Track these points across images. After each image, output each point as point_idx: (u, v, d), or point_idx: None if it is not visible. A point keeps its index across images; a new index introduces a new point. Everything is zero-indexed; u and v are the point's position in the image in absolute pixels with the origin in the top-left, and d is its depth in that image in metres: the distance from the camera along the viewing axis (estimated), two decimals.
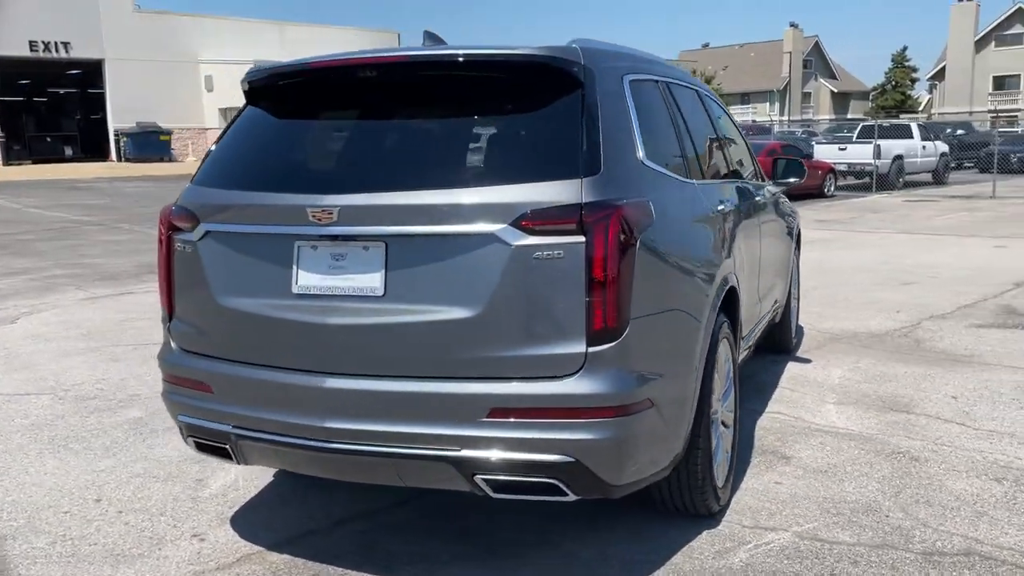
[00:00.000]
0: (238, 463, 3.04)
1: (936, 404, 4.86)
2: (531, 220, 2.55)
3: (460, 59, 2.85)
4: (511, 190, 2.60)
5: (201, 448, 3.14)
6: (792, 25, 72.58)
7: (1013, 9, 61.13)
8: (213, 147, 3.21)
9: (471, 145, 2.87)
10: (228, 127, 3.22)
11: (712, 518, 3.37)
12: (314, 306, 2.77)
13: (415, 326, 2.65)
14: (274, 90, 3.18)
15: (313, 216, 2.70)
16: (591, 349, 2.57)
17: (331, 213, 2.68)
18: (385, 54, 2.91)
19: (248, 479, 3.97)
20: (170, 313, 3.15)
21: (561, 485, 2.63)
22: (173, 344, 3.14)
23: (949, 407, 4.80)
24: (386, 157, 2.94)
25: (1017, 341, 6.33)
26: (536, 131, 2.76)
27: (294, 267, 2.80)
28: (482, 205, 2.60)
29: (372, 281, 2.70)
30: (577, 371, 2.57)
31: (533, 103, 2.79)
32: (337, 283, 2.75)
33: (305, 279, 2.79)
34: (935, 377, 5.40)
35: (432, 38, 3.47)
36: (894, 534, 3.24)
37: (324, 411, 2.74)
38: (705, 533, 3.27)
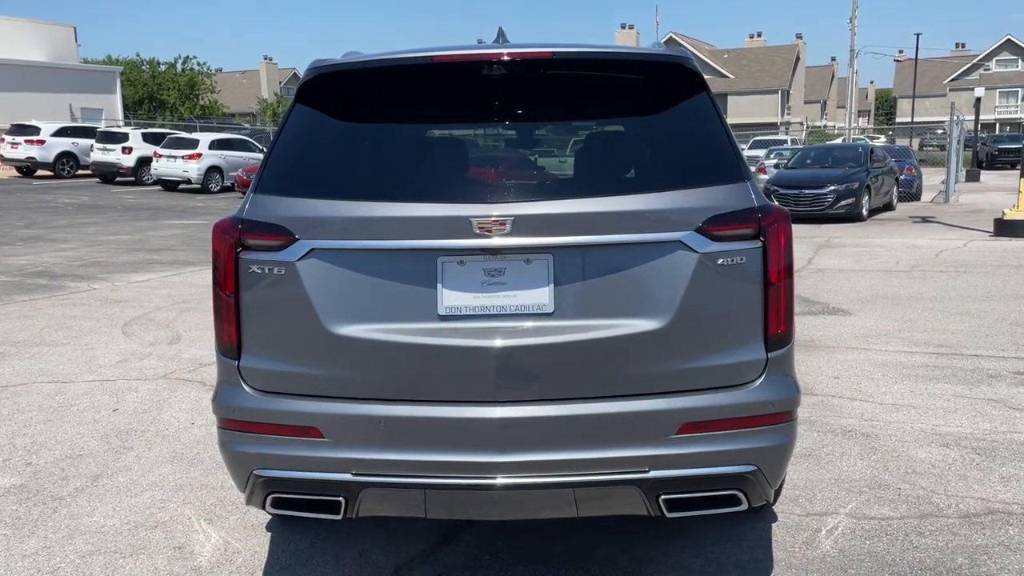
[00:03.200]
0: (343, 516, 2.57)
1: (827, 385, 5.45)
2: (716, 225, 2.48)
3: (602, 58, 2.68)
4: (689, 195, 2.50)
5: (282, 505, 2.62)
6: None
7: None
8: (271, 149, 2.69)
9: (628, 149, 2.71)
10: (284, 124, 2.71)
11: (768, 511, 3.49)
12: (467, 328, 2.45)
13: (594, 343, 2.45)
14: (371, 85, 2.73)
15: (480, 227, 2.39)
16: (770, 354, 2.55)
17: (504, 224, 2.39)
18: (523, 49, 2.64)
19: (241, 538, 3.38)
20: (237, 348, 2.58)
21: (741, 495, 2.58)
22: (246, 386, 2.58)
23: (841, 386, 5.41)
24: (544, 162, 2.68)
25: (833, 325, 7.28)
26: (685, 134, 2.67)
27: (437, 286, 2.45)
28: (661, 211, 2.47)
29: (539, 297, 2.45)
30: (758, 378, 2.55)
31: (672, 105, 2.70)
32: (495, 301, 2.46)
33: (453, 299, 2.45)
34: (800, 361, 6.03)
35: (504, 36, 3.21)
36: (922, 503, 3.60)
37: (493, 444, 2.42)
38: (774, 526, 3.39)
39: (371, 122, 2.74)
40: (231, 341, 2.58)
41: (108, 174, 27.08)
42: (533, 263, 2.46)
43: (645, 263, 2.47)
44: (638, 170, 2.69)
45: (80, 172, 28.51)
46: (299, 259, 2.48)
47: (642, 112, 2.72)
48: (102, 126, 30.26)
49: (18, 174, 29.23)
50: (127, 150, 26.45)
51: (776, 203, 2.82)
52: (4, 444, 4.45)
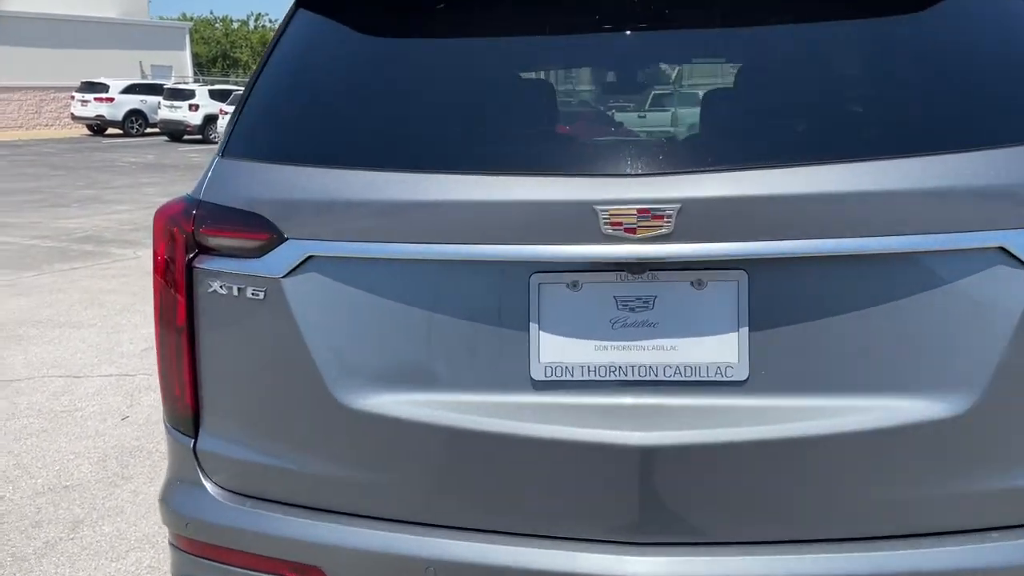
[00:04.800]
0: None
1: None
2: None
3: None
4: (1010, 160, 1.37)
5: None
6: None
7: None
8: (250, 86, 1.65)
9: (888, 77, 1.56)
10: (275, 45, 1.66)
11: None
12: (584, 406, 1.42)
13: (829, 442, 1.37)
14: None
15: (613, 223, 1.34)
16: None
17: (662, 216, 1.33)
18: None
19: None
20: (194, 417, 1.59)
21: None
22: (209, 482, 1.58)
23: None
24: (725, 110, 1.60)
25: None
26: (990, 55, 1.51)
27: (530, 328, 1.42)
28: (960, 192, 1.36)
29: (720, 351, 1.41)
30: None
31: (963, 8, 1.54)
32: (637, 357, 1.43)
33: (558, 350, 1.42)
34: None
35: None
36: None
37: None
38: None
39: (417, 39, 1.66)
40: (184, 405, 1.59)
41: (176, 132, 26.74)
42: (709, 288, 1.40)
43: (930, 289, 1.38)
44: (911, 118, 1.52)
45: (149, 131, 28.32)
46: (288, 273, 1.46)
47: (909, 13, 1.54)
48: (170, 83, 29.97)
49: (89, 132, 29.24)
50: (194, 107, 26.02)
51: None
52: None
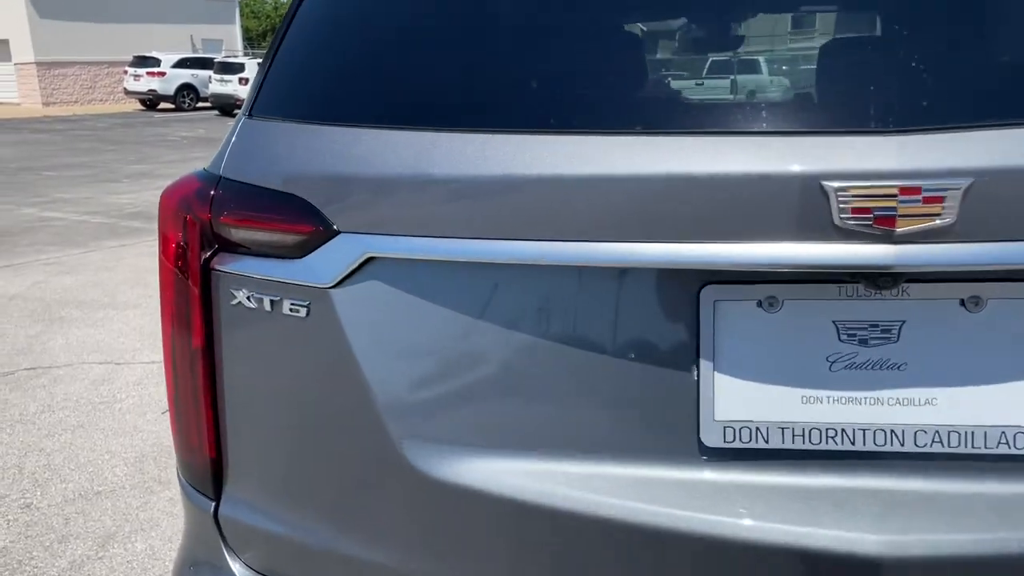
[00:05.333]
0: None
1: None
2: None
3: None
4: None
5: None
6: None
7: None
8: (285, 27, 1.22)
9: None
10: None
11: None
12: (786, 489, 0.98)
13: None
14: None
15: (850, 209, 0.88)
16: None
17: (944, 199, 0.87)
18: None
19: None
20: (214, 472, 1.19)
21: None
22: (235, 562, 1.19)
23: None
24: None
25: None
26: None
27: (699, 366, 0.99)
28: None
29: (1011, 410, 0.94)
30: None
31: None
32: (875, 416, 0.97)
33: (743, 402, 0.99)
34: None
35: None
36: None
37: None
38: None
39: None
40: (203, 456, 1.19)
41: (226, 106, 26.66)
42: (989, 310, 0.94)
43: None
44: None
45: (200, 105, 28.33)
46: (340, 282, 1.05)
47: None
48: (220, 57, 29.92)
49: (142, 107, 29.37)
50: (243, 81, 25.88)
51: None
52: (11, 465, 3.34)
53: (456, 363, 1.01)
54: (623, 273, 0.96)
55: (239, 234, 1.11)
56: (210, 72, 27.13)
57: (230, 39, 37.19)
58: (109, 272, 6.74)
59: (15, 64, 30.47)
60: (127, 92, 28.64)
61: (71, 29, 30.37)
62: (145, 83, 27.72)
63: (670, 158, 0.92)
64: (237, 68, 26.64)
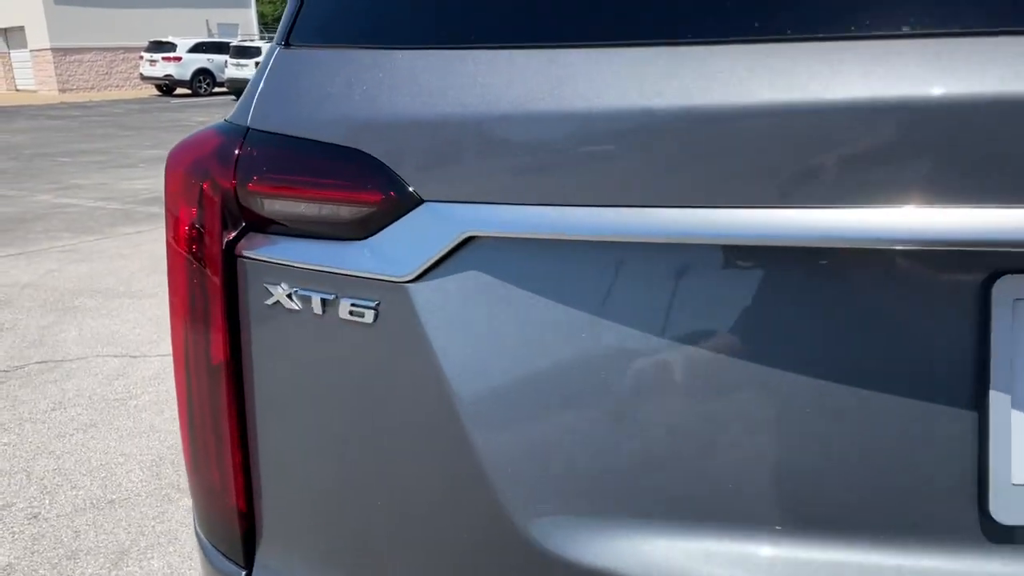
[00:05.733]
0: None
1: None
2: None
3: None
4: None
5: None
6: None
7: None
8: None
9: None
10: None
11: None
12: None
13: None
14: None
15: None
16: None
17: None
18: None
19: None
20: (247, 532, 0.90)
21: None
22: None
23: None
24: None
25: None
26: None
27: (989, 401, 0.65)
28: None
29: None
30: None
31: None
32: None
33: None
34: None
35: None
36: None
37: None
38: None
39: None
40: (228, 508, 0.90)
41: (242, 90, 26.24)
42: None
43: None
44: None
45: (217, 90, 28.08)
46: (424, 273, 0.74)
47: None
48: (236, 41, 29.65)
49: (158, 92, 29.18)
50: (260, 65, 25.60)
51: None
52: (19, 469, 3.08)
53: (600, 395, 0.71)
54: (874, 259, 0.65)
55: (276, 207, 0.81)
56: (226, 57, 26.87)
57: (246, 23, 36.89)
58: (125, 260, 6.49)
59: (31, 51, 30.36)
60: (143, 78, 28.45)
61: (86, 15, 30.18)
62: (161, 68, 27.51)
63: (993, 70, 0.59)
64: (253, 52, 26.35)
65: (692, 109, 0.65)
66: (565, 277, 0.70)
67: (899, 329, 0.65)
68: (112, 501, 2.84)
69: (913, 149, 0.60)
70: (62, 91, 29.62)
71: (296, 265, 0.79)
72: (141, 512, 2.77)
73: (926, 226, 0.60)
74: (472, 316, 0.72)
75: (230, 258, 0.83)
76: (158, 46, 27.72)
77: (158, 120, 20.53)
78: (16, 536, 2.64)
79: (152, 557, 2.51)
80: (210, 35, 32.96)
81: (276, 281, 0.81)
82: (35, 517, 2.75)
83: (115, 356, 4.31)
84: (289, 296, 0.80)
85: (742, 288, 0.67)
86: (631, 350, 0.69)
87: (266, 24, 43.83)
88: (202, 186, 0.85)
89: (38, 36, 29.78)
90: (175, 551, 2.54)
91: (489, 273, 0.71)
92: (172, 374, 3.95)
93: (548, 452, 0.72)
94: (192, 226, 0.85)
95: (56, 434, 3.38)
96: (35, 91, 30.35)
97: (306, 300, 0.79)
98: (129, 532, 2.65)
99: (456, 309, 0.72)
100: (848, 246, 0.62)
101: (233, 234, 0.83)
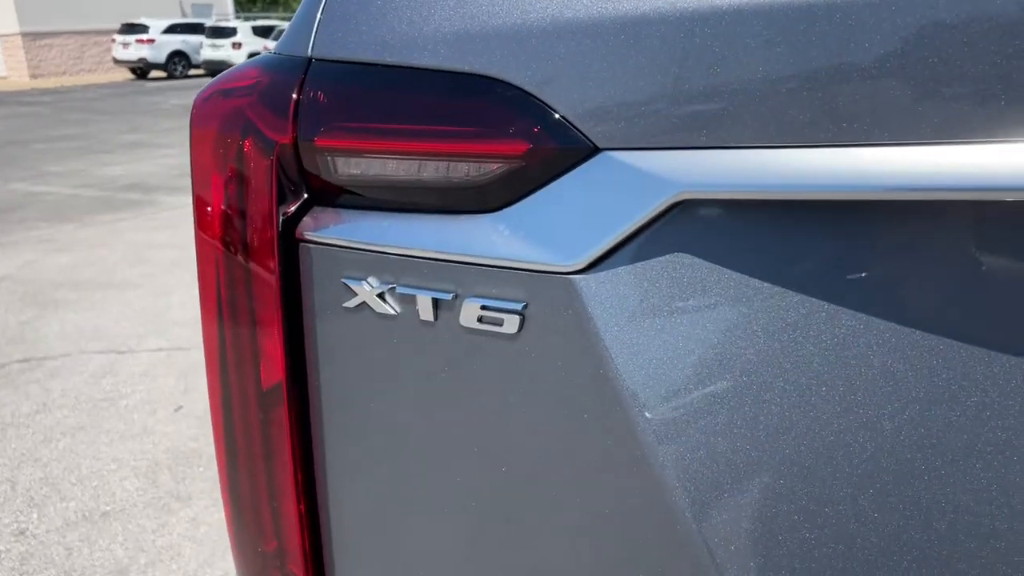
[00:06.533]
0: None
1: None
2: None
3: None
4: None
5: None
6: None
7: None
8: None
9: None
10: None
11: None
12: None
13: None
14: None
15: None
16: None
17: None
18: None
19: None
20: None
21: None
22: None
23: None
24: None
25: None
26: None
27: None
28: None
29: None
30: None
31: None
32: None
33: None
34: None
35: None
36: None
37: None
38: None
39: None
40: (289, 571, 0.65)
41: (220, 72, 25.74)
42: None
43: None
44: None
45: (193, 72, 27.48)
46: (601, 259, 0.49)
47: None
48: (211, 21, 28.99)
49: (132, 76, 28.51)
50: (236, 45, 25.05)
51: None
52: (3, 480, 2.83)
53: (845, 433, 0.47)
54: None
55: (357, 169, 0.56)
56: (201, 38, 26.26)
57: (220, 3, 36.11)
58: (106, 249, 6.20)
59: (0, 36, 29.57)
60: (116, 61, 27.76)
61: None
62: (134, 51, 26.83)
63: None
64: (229, 32, 25.78)
65: None
66: (839, 261, 0.46)
67: None
68: (106, 513, 2.60)
69: None
70: (33, 77, 28.90)
71: (391, 251, 0.55)
72: (139, 525, 2.53)
73: None
74: (678, 325, 0.48)
75: (289, 244, 0.59)
76: (130, 28, 27.03)
77: (134, 104, 20.03)
78: (2, 557, 2.39)
79: (154, 575, 2.28)
80: (184, 16, 32.25)
81: (361, 275, 0.57)
82: (22, 533, 2.50)
83: (101, 352, 4.05)
84: (381, 296, 0.56)
85: None
86: (904, 360, 0.46)
87: (241, 3, 43.02)
88: (243, 145, 0.60)
89: (7, 21, 28.99)
90: (179, 569, 2.31)
91: (708, 258, 0.48)
92: (162, 369, 3.68)
93: (770, 512, 0.49)
94: (231, 203, 0.61)
95: (41, 439, 3.12)
96: (5, 77, 29.61)
97: (408, 301, 0.55)
98: (127, 548, 2.41)
99: (652, 314, 0.49)
100: None
101: (292, 209, 0.59)
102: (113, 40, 27.66)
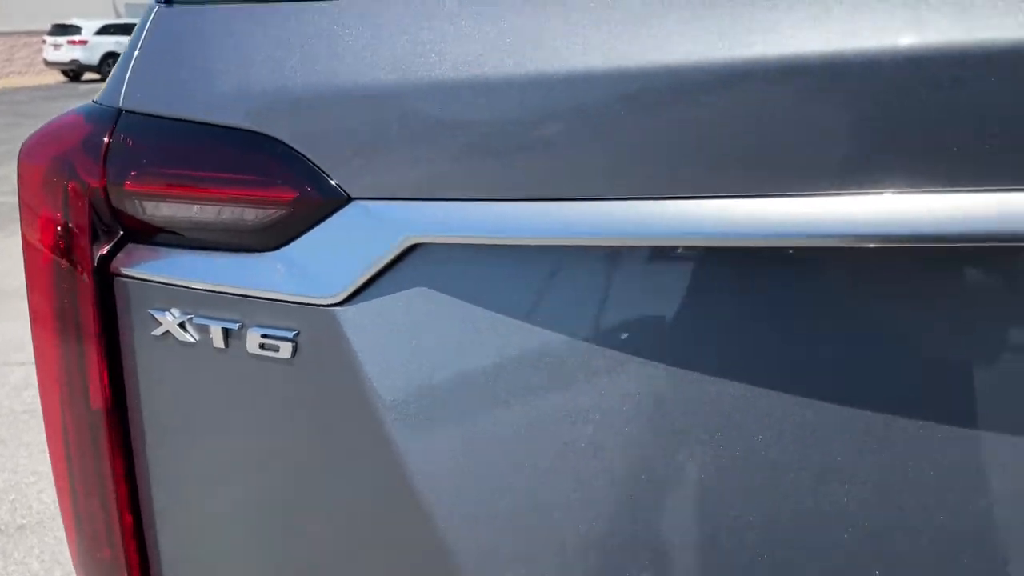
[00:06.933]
0: None
1: None
2: None
3: None
4: None
5: None
6: None
7: None
8: None
9: None
10: None
11: None
12: None
13: None
14: None
15: None
16: None
17: None
18: None
19: None
20: None
21: None
22: None
23: None
24: None
25: None
26: None
27: None
28: None
29: None
30: None
31: None
32: None
33: None
34: None
35: None
36: None
37: None
38: None
39: None
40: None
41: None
42: None
43: None
44: None
45: None
46: (357, 293, 0.57)
47: None
48: None
49: (65, 79, 27.79)
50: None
51: None
52: None
53: (591, 437, 0.56)
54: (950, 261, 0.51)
55: (159, 211, 0.64)
56: None
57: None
58: None
59: None
60: (47, 63, 27.02)
61: None
62: (67, 52, 26.15)
63: None
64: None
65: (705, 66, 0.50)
66: (544, 292, 0.55)
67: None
68: (22, 527, 2.60)
69: None
70: None
71: (189, 286, 0.62)
72: (55, 536, 2.54)
73: None
74: (419, 347, 0.56)
75: (103, 276, 0.65)
76: (62, 29, 26.34)
77: (66, 107, 19.49)
78: None
79: None
80: (118, 16, 31.54)
81: (164, 306, 0.64)
82: None
83: (21, 364, 4.00)
84: (182, 325, 0.63)
85: (771, 304, 0.53)
86: (624, 377, 0.55)
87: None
88: (66, 187, 0.67)
89: None
90: None
91: (440, 290, 0.56)
92: None
93: (518, 527, 0.57)
94: (56, 239, 0.67)
95: None
96: None
97: (204, 331, 0.62)
98: (43, 561, 2.42)
99: (399, 339, 0.57)
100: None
101: (107, 247, 0.66)
102: (44, 41, 26.91)
